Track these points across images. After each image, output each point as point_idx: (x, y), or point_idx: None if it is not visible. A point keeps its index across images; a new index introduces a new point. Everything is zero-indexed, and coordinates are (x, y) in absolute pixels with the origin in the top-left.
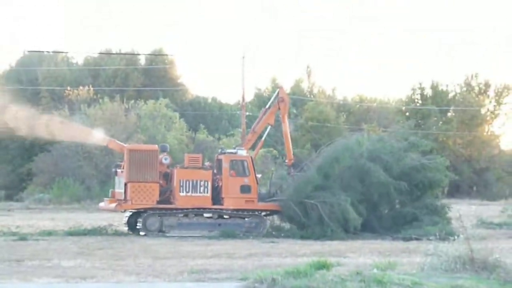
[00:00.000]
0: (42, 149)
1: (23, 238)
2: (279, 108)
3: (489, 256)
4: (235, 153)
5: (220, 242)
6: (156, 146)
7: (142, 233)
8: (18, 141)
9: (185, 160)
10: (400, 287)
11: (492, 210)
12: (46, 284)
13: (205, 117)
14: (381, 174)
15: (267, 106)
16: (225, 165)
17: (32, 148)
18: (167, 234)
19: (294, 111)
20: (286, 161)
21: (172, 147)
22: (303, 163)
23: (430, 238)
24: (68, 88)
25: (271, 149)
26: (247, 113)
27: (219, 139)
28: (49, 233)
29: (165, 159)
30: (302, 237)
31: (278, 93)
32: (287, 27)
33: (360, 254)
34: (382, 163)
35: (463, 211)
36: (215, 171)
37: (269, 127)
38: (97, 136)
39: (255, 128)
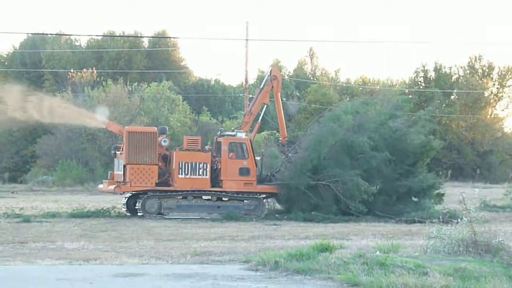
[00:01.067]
0: (46, 131)
1: (26, 220)
2: (272, 87)
3: (492, 239)
4: (234, 135)
5: (223, 225)
6: (155, 128)
7: (146, 216)
8: (22, 123)
9: (184, 142)
10: (403, 270)
11: (495, 193)
12: (49, 266)
13: (208, 99)
14: (366, 146)
15: (261, 86)
16: (224, 147)
17: (35, 131)
18: (166, 216)
19: (297, 93)
20: (280, 139)
21: (175, 129)
22: (295, 144)
23: (433, 220)
24: (72, 70)
25: (274, 131)
26: (250, 96)
27: (222, 121)
28: (53, 215)
29: (164, 141)
30: (305, 220)
31: (270, 71)
32: (290, 8)
33: (363, 237)
34: (366, 133)
35: (466, 194)
36: (214, 153)
37: (265, 107)
38: (96, 118)
39: (251, 109)
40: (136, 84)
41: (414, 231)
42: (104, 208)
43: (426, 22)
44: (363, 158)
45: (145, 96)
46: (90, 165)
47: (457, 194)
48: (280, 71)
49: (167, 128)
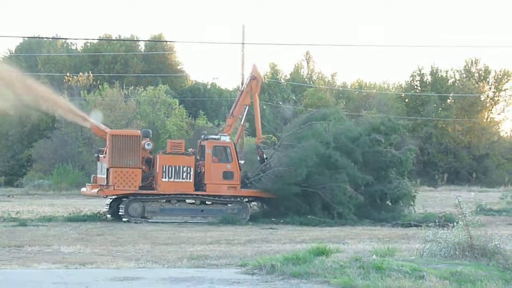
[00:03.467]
0: (42, 135)
1: (23, 224)
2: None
3: (488, 243)
4: (218, 139)
5: (219, 229)
6: (138, 132)
7: (131, 220)
8: (18, 127)
9: (167, 145)
10: (399, 274)
11: (491, 196)
12: (45, 270)
13: (204, 103)
14: (349, 165)
15: (242, 88)
16: (208, 151)
17: (32, 134)
18: (149, 220)
19: (294, 97)
20: (256, 140)
21: (172, 133)
22: (274, 148)
23: (429, 224)
24: (68, 74)
25: (270, 135)
26: None
27: (218, 125)
28: (49, 219)
29: (147, 144)
30: (301, 224)
31: (251, 72)
32: (287, 12)
33: (359, 240)
34: (346, 149)
35: (462, 197)
36: (198, 157)
37: (247, 108)
38: (82, 116)
39: (233, 111)
40: (132, 88)
41: (410, 234)
42: (100, 212)
43: (422, 25)
44: (344, 171)
45: (141, 100)
46: (87, 169)
47: (453, 198)
48: (260, 71)
49: (150, 131)
